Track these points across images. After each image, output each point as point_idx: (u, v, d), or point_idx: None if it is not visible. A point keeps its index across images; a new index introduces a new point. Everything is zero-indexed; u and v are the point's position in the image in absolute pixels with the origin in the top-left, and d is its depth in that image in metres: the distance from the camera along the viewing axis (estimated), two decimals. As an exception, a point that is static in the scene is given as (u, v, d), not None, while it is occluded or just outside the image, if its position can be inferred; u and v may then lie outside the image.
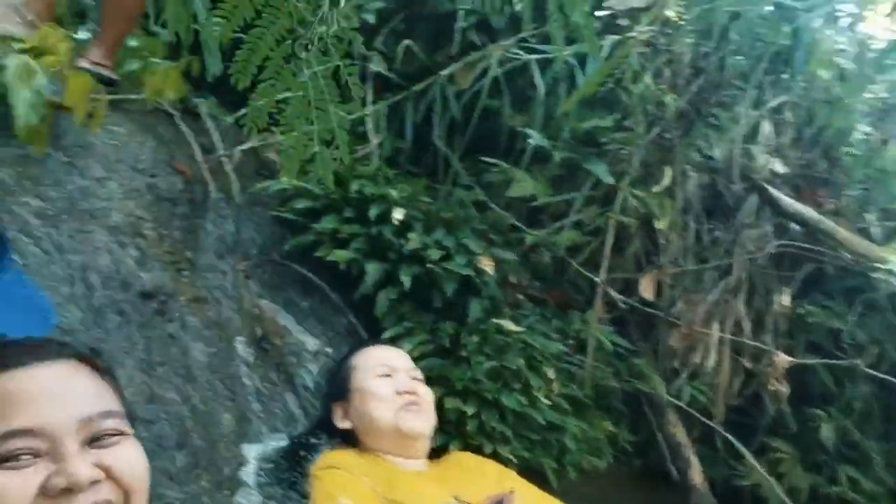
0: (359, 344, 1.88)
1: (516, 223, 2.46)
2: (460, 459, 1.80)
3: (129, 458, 0.84)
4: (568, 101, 2.45)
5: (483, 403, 1.97)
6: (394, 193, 2.10)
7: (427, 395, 1.74)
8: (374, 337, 2.02)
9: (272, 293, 2.05)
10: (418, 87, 2.47)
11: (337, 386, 1.73)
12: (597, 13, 2.51)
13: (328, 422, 1.70)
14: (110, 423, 0.84)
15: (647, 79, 2.49)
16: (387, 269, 2.06)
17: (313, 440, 1.59)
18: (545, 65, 2.55)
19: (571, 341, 2.35)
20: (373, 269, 2.03)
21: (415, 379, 1.75)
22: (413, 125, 2.52)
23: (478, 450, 1.89)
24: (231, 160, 2.08)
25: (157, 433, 1.37)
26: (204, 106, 2.20)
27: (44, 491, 0.76)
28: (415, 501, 1.46)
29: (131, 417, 0.91)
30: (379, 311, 2.03)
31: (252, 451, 1.51)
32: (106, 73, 1.79)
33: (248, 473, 1.44)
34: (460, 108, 2.49)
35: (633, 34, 2.44)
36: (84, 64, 1.76)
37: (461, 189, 2.51)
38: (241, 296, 1.91)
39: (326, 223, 2.08)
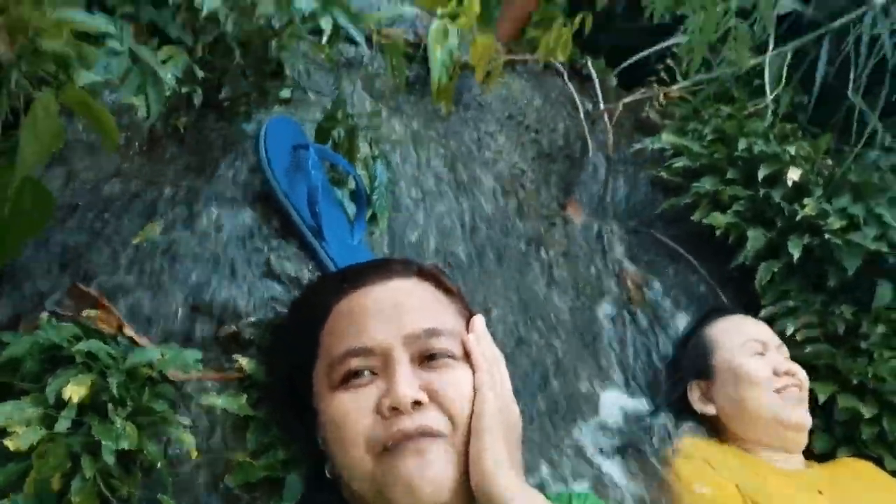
0: (710, 313, 1.72)
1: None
2: (850, 467, 1.53)
3: (456, 384, 0.80)
4: None
5: (887, 407, 1.63)
6: (790, 150, 1.84)
7: (805, 378, 1.53)
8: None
9: (638, 256, 2.00)
10: (837, 23, 2.07)
11: (694, 362, 1.60)
12: None
13: (681, 401, 1.58)
14: (438, 343, 0.81)
15: None
16: (771, 238, 1.83)
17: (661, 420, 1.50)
18: None
19: None
20: (755, 237, 1.82)
21: (787, 358, 1.56)
22: (824, 74, 2.15)
23: (875, 462, 1.58)
24: (611, 118, 2.06)
25: (521, 375, 1.44)
26: (591, 65, 2.20)
27: (378, 410, 0.78)
28: None
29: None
30: (758, 285, 1.81)
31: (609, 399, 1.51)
32: None
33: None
34: (894, 49, 2.04)
35: None
36: None
37: (878, 152, 2.09)
38: (606, 255, 1.90)
39: (705, 183, 1.93)
